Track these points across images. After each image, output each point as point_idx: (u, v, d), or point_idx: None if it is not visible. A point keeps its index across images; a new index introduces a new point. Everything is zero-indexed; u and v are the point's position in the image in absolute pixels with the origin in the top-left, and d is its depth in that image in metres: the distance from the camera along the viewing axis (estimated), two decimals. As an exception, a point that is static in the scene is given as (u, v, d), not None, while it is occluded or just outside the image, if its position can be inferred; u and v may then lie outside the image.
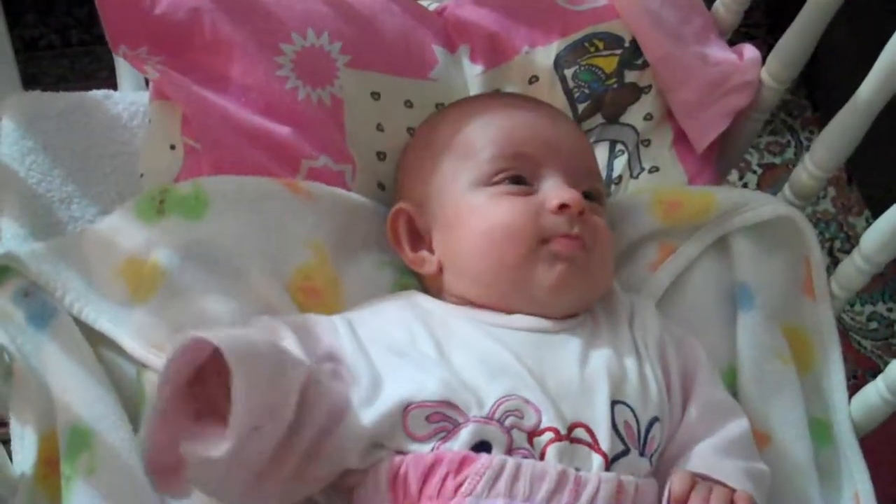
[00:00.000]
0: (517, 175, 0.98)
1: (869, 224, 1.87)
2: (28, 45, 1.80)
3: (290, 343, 0.88)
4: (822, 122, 1.86)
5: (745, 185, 1.98)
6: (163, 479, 0.81)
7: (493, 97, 1.11)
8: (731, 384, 1.03)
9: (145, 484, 0.89)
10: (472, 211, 0.98)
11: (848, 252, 1.87)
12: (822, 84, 1.93)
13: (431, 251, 1.01)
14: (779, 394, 1.02)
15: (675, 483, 0.87)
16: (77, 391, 0.93)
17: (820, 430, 1.04)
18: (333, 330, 0.92)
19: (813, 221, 1.91)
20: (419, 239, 1.02)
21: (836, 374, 1.07)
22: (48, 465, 0.93)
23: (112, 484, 0.89)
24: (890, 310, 1.85)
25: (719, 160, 1.19)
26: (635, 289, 1.07)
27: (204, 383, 0.80)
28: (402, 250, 1.03)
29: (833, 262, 1.87)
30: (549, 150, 1.00)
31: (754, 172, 2.03)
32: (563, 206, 0.95)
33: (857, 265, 1.05)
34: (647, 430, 0.90)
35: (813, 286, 1.10)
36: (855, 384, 1.70)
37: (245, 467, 0.81)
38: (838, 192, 2.00)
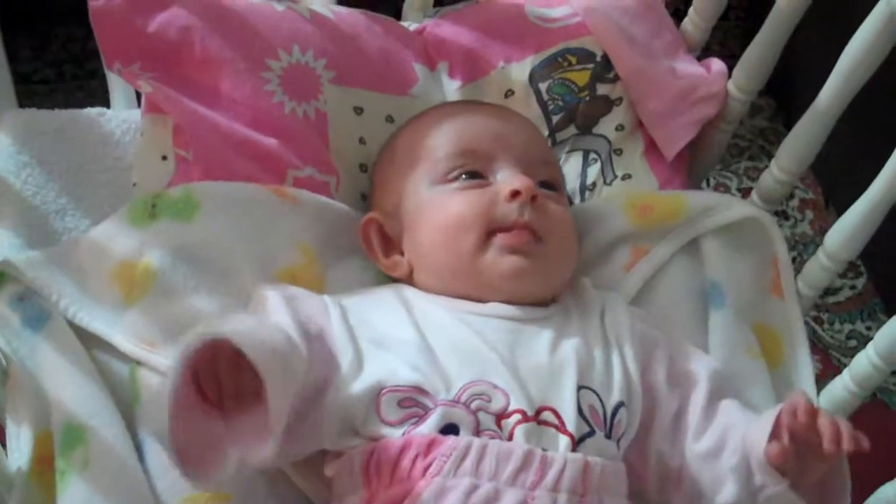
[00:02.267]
0: (472, 170, 1.02)
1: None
2: (23, 80, 1.84)
3: (283, 318, 0.91)
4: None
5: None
6: (199, 471, 0.81)
7: (446, 106, 1.15)
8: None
9: (138, 477, 0.92)
10: (431, 207, 1.02)
11: (825, 272, 1.92)
12: (799, 111, 2.00)
13: (402, 255, 1.05)
14: (751, 388, 1.05)
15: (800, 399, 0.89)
16: (71, 390, 0.95)
17: (790, 424, 1.08)
18: (324, 310, 0.95)
19: (791, 243, 1.96)
20: (391, 245, 1.06)
21: (804, 369, 1.11)
22: (43, 462, 0.95)
23: (106, 477, 0.91)
24: (868, 328, 1.89)
25: (691, 169, 1.24)
26: (608, 289, 1.09)
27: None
28: (375, 257, 1.06)
29: (812, 284, 1.91)
30: (501, 143, 1.04)
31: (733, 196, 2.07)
32: (515, 193, 0.99)
33: (822, 263, 1.10)
34: (613, 414, 0.93)
35: (781, 285, 1.14)
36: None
37: None
38: (816, 215, 2.04)
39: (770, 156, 2.11)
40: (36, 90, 1.90)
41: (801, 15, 1.10)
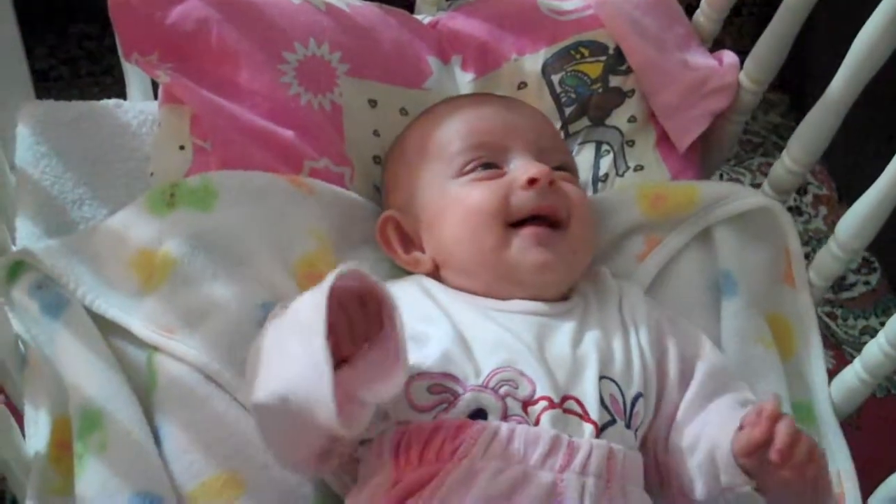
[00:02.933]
0: (487, 162, 1.03)
1: (861, 240, 1.93)
2: (39, 77, 1.86)
3: None
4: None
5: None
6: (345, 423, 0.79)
7: (454, 100, 1.16)
8: (717, 368, 1.07)
9: (155, 461, 0.93)
10: (449, 202, 1.02)
11: (840, 267, 1.92)
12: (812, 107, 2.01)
13: (423, 251, 1.05)
14: (763, 377, 1.06)
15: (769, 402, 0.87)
16: (88, 375, 0.96)
17: (802, 413, 1.08)
18: None
19: (805, 239, 1.96)
20: (409, 242, 1.07)
21: (815, 359, 1.11)
22: (61, 447, 0.96)
23: (123, 460, 0.92)
24: (882, 324, 1.88)
25: (704, 160, 1.24)
26: (624, 279, 1.10)
27: None
28: (395, 254, 1.07)
29: (827, 278, 1.91)
30: (512, 133, 1.05)
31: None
32: (532, 181, 1.00)
33: (833, 253, 1.10)
34: (633, 405, 0.94)
35: (793, 275, 1.14)
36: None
37: None
38: (829, 211, 2.04)
39: (774, 146, 2.13)
40: (52, 87, 1.92)
41: (812, 5, 1.11)
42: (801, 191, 2.04)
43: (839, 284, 1.91)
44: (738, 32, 2.11)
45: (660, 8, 1.25)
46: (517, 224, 1.00)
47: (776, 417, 0.85)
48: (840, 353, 1.82)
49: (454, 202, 1.02)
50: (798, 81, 1.89)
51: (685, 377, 0.99)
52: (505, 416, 0.88)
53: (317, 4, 1.18)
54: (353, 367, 0.82)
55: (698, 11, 1.26)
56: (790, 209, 1.98)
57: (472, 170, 1.03)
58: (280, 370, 0.82)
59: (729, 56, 1.22)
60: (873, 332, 1.86)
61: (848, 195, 2.01)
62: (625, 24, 1.21)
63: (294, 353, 0.81)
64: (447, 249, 1.02)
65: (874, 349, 1.04)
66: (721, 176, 1.94)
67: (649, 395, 0.96)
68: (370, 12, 1.21)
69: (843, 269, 1.11)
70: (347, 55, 1.16)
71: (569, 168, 1.08)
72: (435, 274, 1.04)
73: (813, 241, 1.99)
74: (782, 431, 0.84)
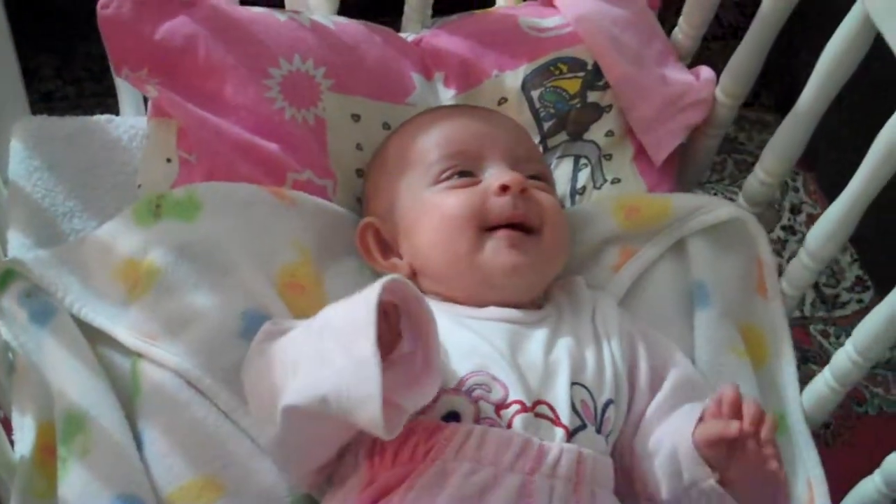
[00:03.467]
0: (462, 170, 1.06)
1: (854, 260, 1.93)
2: (44, 97, 1.90)
3: None
4: (807, 163, 1.92)
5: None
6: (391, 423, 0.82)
7: (433, 111, 1.19)
8: (691, 377, 1.08)
9: (136, 465, 0.95)
10: (425, 209, 1.05)
11: (833, 287, 1.93)
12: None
13: (401, 257, 1.08)
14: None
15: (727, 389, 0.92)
16: (73, 381, 0.98)
17: (774, 421, 1.10)
18: None
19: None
20: (388, 248, 1.09)
21: (787, 367, 1.13)
22: (45, 451, 0.98)
23: (105, 464, 0.94)
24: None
25: (681, 175, 1.27)
26: (599, 289, 1.12)
27: None
28: (373, 260, 1.09)
29: (820, 297, 1.92)
30: (488, 142, 1.08)
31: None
32: (504, 187, 1.02)
33: (804, 263, 1.12)
34: (603, 411, 0.96)
35: (766, 285, 1.16)
36: (841, 413, 1.73)
37: None
38: (822, 230, 2.05)
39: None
40: (58, 107, 1.95)
41: (785, 20, 1.13)
42: (795, 210, 2.05)
43: (832, 302, 1.92)
44: (717, 57, 2.13)
45: (638, 25, 1.27)
46: (491, 229, 1.02)
47: (737, 403, 0.89)
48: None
49: (431, 208, 1.05)
50: (791, 101, 1.90)
51: (654, 387, 1.01)
52: (478, 419, 0.90)
53: (302, 21, 1.21)
54: (389, 373, 0.83)
55: (676, 29, 1.29)
56: (784, 228, 2.02)
57: (449, 178, 1.06)
58: (319, 373, 0.84)
59: (706, 71, 1.25)
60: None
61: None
62: (603, 41, 1.24)
63: (333, 357, 0.83)
64: (423, 254, 1.05)
65: (842, 357, 1.06)
66: (715, 196, 1.96)
67: (620, 402, 0.98)
68: (355, 30, 1.24)
69: (814, 278, 1.13)
70: (332, 71, 1.19)
71: (544, 178, 1.10)
72: (413, 280, 1.06)
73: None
74: (749, 406, 0.89)
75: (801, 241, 2.01)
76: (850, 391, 1.09)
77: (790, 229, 2.03)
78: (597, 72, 1.25)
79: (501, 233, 1.02)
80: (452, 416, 0.91)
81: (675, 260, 1.15)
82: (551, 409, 0.93)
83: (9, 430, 1.02)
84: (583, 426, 0.93)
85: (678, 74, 1.24)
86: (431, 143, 1.09)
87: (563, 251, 1.08)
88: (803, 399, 1.11)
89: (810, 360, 1.78)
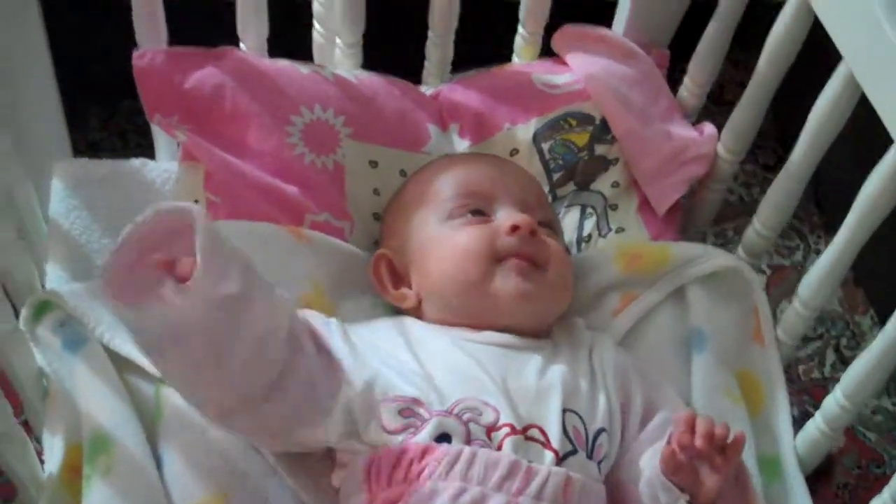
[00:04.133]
0: (475, 209, 1.11)
1: (874, 322, 1.95)
2: (92, 147, 1.99)
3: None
4: (828, 225, 1.95)
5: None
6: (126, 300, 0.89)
7: (449, 157, 1.25)
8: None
9: (155, 484, 1.01)
10: (439, 241, 1.10)
11: (853, 349, 1.94)
12: (828, 192, 2.03)
13: (410, 287, 1.13)
14: (729, 430, 1.11)
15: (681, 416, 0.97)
16: (101, 405, 1.04)
17: (769, 466, 1.13)
18: (325, 324, 1.03)
19: (820, 318, 1.98)
20: (399, 279, 1.14)
21: (782, 413, 1.16)
22: (72, 471, 1.04)
23: (126, 483, 1.00)
24: (895, 404, 1.91)
25: (685, 226, 1.32)
26: (597, 331, 1.15)
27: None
28: (384, 290, 1.14)
29: (840, 359, 1.93)
30: (500, 186, 1.13)
31: (764, 273, 2.11)
32: (514, 228, 1.07)
33: (798, 311, 1.16)
34: (595, 438, 1.00)
35: (762, 333, 1.20)
36: (859, 474, 1.74)
37: (239, 378, 0.92)
38: (845, 293, 2.06)
39: (801, 234, 2.14)
40: (104, 156, 2.04)
41: (782, 76, 1.18)
42: (806, 254, 2.08)
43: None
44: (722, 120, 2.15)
45: (645, 83, 1.32)
46: (501, 260, 1.07)
47: (691, 422, 0.94)
48: (853, 433, 1.82)
49: (443, 240, 1.10)
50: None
51: (646, 423, 1.04)
52: (468, 441, 0.94)
53: (324, 74, 1.27)
54: None
55: (682, 87, 1.34)
56: (797, 269, 2.02)
57: (462, 214, 1.11)
58: None
59: (709, 128, 1.30)
60: (885, 412, 1.85)
61: (862, 277, 2.04)
62: (611, 97, 1.29)
63: None
64: (432, 283, 1.09)
65: (831, 402, 1.09)
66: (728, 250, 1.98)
67: (613, 431, 1.02)
68: (376, 83, 1.30)
69: (807, 326, 1.17)
70: (351, 120, 1.25)
71: (551, 225, 1.15)
72: (418, 310, 1.12)
73: (828, 322, 1.97)
74: (700, 424, 0.94)
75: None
76: (871, 454, 1.10)
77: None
78: (604, 126, 1.30)
79: (511, 261, 1.07)
80: (444, 438, 0.95)
81: (674, 306, 1.19)
82: (542, 432, 0.96)
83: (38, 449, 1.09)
84: (574, 451, 0.97)
85: (682, 130, 1.29)
86: (446, 183, 1.14)
87: (566, 291, 1.12)
88: (797, 443, 1.14)
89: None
